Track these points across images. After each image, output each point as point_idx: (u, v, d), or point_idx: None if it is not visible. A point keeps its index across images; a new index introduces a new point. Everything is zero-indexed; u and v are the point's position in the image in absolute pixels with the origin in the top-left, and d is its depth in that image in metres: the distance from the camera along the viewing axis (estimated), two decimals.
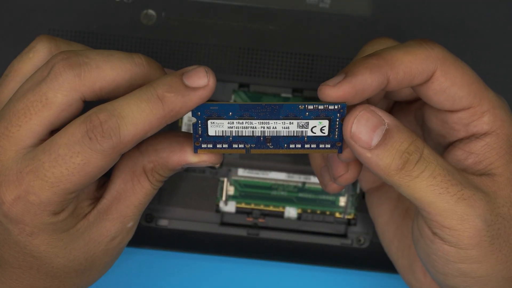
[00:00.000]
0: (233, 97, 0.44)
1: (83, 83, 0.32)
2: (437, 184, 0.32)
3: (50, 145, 0.32)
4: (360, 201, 0.43)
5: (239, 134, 0.34)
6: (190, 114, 0.43)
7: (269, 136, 0.34)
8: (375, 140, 0.32)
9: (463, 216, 0.32)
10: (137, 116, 0.32)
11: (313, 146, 0.34)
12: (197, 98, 0.32)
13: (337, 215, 0.44)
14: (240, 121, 0.33)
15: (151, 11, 0.43)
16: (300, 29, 0.43)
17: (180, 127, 0.43)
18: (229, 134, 0.34)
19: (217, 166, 0.43)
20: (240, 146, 0.34)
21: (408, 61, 0.33)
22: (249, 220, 0.44)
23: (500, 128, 0.34)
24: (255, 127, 0.34)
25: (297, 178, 0.44)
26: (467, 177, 0.33)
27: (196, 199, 0.43)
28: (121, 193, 0.35)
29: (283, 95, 0.43)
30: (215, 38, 0.43)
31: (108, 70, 0.33)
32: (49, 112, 0.32)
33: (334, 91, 0.32)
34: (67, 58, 0.32)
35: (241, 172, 0.44)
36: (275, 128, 0.34)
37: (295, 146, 0.34)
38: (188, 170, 0.43)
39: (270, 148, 0.34)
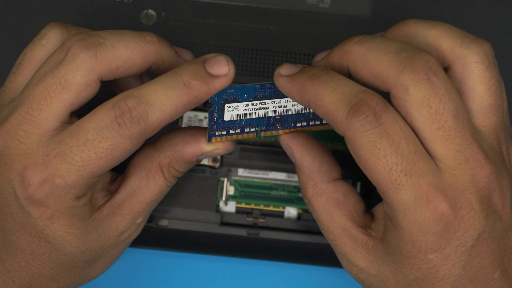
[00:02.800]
0: None
1: (100, 63, 0.33)
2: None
3: (78, 130, 0.33)
4: None
5: (253, 117, 0.35)
6: (189, 114, 0.43)
7: (279, 116, 0.35)
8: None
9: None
10: (164, 103, 0.32)
11: (317, 122, 0.36)
12: (219, 85, 0.34)
13: None
14: (254, 102, 0.35)
15: (151, 11, 0.43)
16: (300, 29, 0.43)
17: (181, 127, 0.43)
18: (243, 118, 0.35)
19: (218, 167, 0.43)
20: (251, 129, 0.36)
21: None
22: (249, 220, 0.44)
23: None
24: (268, 107, 0.35)
25: (297, 178, 0.44)
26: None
27: (196, 199, 0.43)
28: (135, 189, 0.36)
29: None
30: (215, 38, 0.43)
31: (123, 48, 0.33)
32: (69, 94, 0.33)
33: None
34: (83, 40, 0.33)
35: (241, 172, 0.44)
36: (286, 106, 0.35)
37: (301, 124, 0.36)
38: (188, 170, 0.43)
39: (278, 129, 0.36)
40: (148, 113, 0.32)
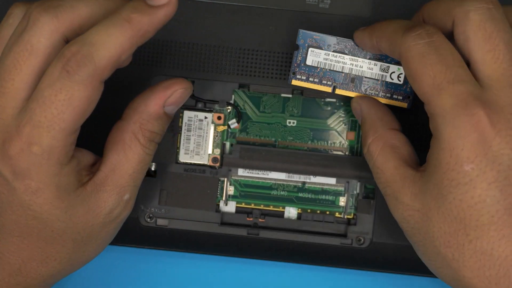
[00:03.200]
0: (233, 97, 0.44)
1: (61, 23, 0.33)
2: None
3: (36, 92, 0.33)
4: (360, 201, 0.43)
5: (331, 68, 0.40)
6: (189, 114, 0.43)
7: (355, 75, 0.40)
8: None
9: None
10: (107, 40, 0.33)
11: (388, 95, 0.40)
12: (162, 15, 0.34)
13: (337, 214, 0.44)
14: (335, 54, 0.40)
15: None
16: (300, 29, 0.43)
17: (181, 127, 0.43)
18: (322, 66, 0.40)
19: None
20: (328, 83, 0.40)
21: None
22: (249, 220, 0.44)
23: None
24: (346, 63, 0.40)
25: (297, 178, 0.44)
26: None
27: (196, 199, 0.44)
28: (115, 164, 0.36)
29: (283, 95, 0.43)
30: (215, 38, 0.43)
31: (83, 7, 0.34)
32: (37, 59, 0.34)
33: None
34: (41, 4, 0.34)
35: (241, 172, 0.44)
36: (361, 67, 0.40)
37: (373, 92, 0.40)
38: (188, 170, 0.43)
39: (352, 90, 0.40)
40: (92, 53, 0.33)
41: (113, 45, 0.33)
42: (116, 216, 0.37)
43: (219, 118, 0.43)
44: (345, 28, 0.43)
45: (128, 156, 0.36)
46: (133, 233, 0.44)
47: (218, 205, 0.44)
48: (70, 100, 0.33)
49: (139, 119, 0.36)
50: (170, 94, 0.37)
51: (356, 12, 0.43)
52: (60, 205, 0.35)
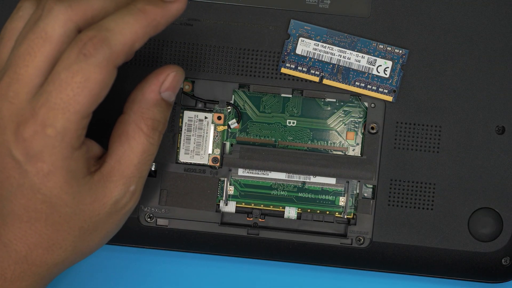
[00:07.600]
0: (233, 97, 0.44)
1: (75, 12, 0.34)
2: None
3: (52, 75, 0.34)
4: (359, 200, 0.43)
5: (320, 58, 0.41)
6: (189, 114, 0.43)
7: (342, 66, 0.41)
8: None
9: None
10: (123, 27, 0.34)
11: (374, 88, 0.41)
12: (174, 9, 0.36)
13: (337, 214, 0.44)
14: (324, 44, 0.41)
15: None
16: None
17: (181, 127, 0.43)
18: (311, 56, 0.41)
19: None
20: (316, 73, 0.41)
21: None
22: (249, 220, 0.44)
23: None
24: (334, 54, 0.41)
25: (297, 178, 0.44)
26: None
27: (196, 199, 0.44)
28: (120, 156, 0.37)
29: (283, 95, 0.43)
30: (215, 38, 0.43)
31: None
32: (51, 46, 0.34)
33: None
34: None
35: (241, 172, 0.44)
36: (349, 59, 0.41)
37: (359, 84, 0.41)
38: (188, 170, 0.43)
39: (339, 82, 0.41)
40: (109, 37, 0.34)
41: (128, 32, 0.34)
42: (122, 206, 0.37)
43: (219, 118, 0.43)
44: (344, 28, 0.43)
45: (132, 147, 0.37)
46: (133, 233, 0.44)
47: (218, 205, 0.44)
48: (86, 82, 0.34)
49: (139, 108, 0.37)
50: (163, 79, 0.37)
51: (355, 12, 0.43)
52: (68, 190, 0.35)
